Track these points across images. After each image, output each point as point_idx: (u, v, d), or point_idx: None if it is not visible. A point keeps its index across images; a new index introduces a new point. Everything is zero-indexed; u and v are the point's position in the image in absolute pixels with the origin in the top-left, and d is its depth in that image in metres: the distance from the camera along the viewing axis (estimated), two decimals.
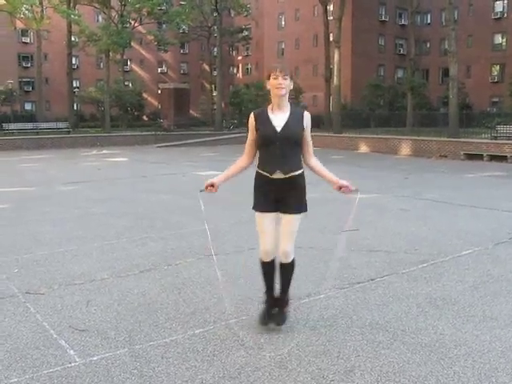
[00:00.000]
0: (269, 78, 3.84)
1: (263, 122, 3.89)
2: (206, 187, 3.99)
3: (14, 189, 12.96)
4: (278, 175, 3.87)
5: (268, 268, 4.13)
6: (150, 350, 3.82)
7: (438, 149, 23.24)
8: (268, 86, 3.88)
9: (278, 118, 3.87)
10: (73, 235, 7.62)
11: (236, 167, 4.11)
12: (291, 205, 3.94)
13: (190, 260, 6.22)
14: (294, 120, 3.88)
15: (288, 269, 4.12)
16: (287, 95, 3.89)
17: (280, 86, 3.80)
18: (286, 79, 3.80)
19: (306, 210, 4.02)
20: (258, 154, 4.02)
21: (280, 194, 3.92)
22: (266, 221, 3.99)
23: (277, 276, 4.18)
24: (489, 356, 3.69)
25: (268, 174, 3.90)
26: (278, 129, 3.84)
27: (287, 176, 3.88)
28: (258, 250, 4.15)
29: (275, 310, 4.21)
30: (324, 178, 4.08)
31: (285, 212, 3.96)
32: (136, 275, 5.65)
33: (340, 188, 3.95)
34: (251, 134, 3.99)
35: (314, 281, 5.36)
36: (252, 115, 3.98)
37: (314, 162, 4.04)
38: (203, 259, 6.22)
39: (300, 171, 3.95)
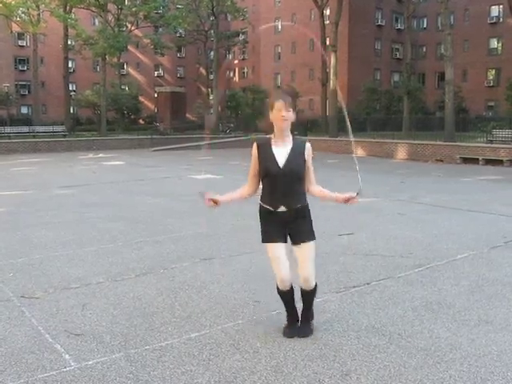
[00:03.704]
0: (272, 109, 3.78)
1: (266, 155, 3.85)
2: (210, 201, 3.91)
3: (10, 192, 12.93)
4: (283, 209, 3.86)
5: (287, 297, 4.08)
6: (146, 354, 3.81)
7: (434, 153, 23.30)
8: (271, 118, 3.81)
9: (281, 152, 3.82)
10: (68, 239, 7.60)
11: (240, 194, 4.06)
12: (301, 234, 3.92)
13: (185, 264, 6.21)
14: (296, 153, 3.84)
15: (310, 295, 4.09)
16: (289, 127, 3.84)
17: (283, 119, 3.75)
18: (289, 111, 3.75)
19: (314, 238, 3.99)
20: (260, 187, 3.99)
21: (287, 223, 3.90)
22: (278, 250, 3.91)
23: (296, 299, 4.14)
24: (484, 360, 3.69)
25: (272, 209, 3.88)
26: (281, 164, 3.80)
27: (291, 209, 3.87)
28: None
29: (300, 325, 4.17)
30: (329, 200, 4.06)
31: (297, 243, 3.93)
32: (132, 279, 5.64)
33: (347, 201, 3.93)
34: (254, 165, 3.93)
35: None
36: (255, 145, 3.93)
37: (316, 189, 4.00)
38: (199, 263, 6.22)
39: (304, 205, 3.93)
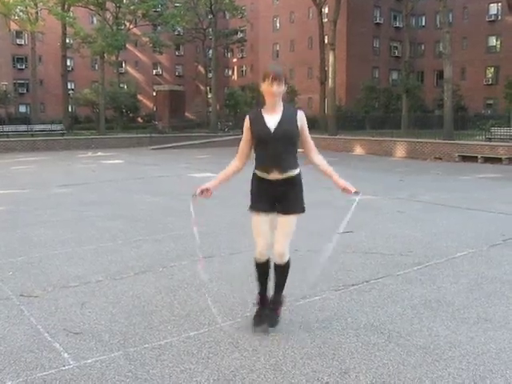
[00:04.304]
0: (264, 81, 3.84)
1: (257, 122, 3.92)
2: (201, 192, 3.99)
3: (8, 191, 12.92)
4: (275, 175, 3.88)
5: (263, 269, 4.12)
6: (145, 353, 3.81)
7: (433, 151, 23.30)
8: (262, 89, 3.89)
9: (272, 118, 3.89)
10: (67, 238, 7.60)
11: (228, 171, 4.12)
12: (288, 205, 3.95)
13: (184, 262, 6.21)
14: (287, 119, 3.89)
15: (283, 270, 4.11)
16: (280, 97, 3.91)
17: (273, 93, 3.83)
18: (280, 86, 3.83)
19: (303, 211, 4.02)
20: (254, 156, 4.03)
21: (277, 194, 3.93)
22: (262, 221, 3.99)
23: (271, 277, 4.18)
24: (483, 358, 3.69)
25: (265, 174, 3.92)
26: (272, 129, 3.86)
27: (284, 176, 3.89)
28: (253, 251, 4.14)
29: (268, 311, 4.20)
30: (328, 177, 4.08)
31: (281, 212, 3.96)
32: (131, 277, 5.64)
33: (343, 189, 3.98)
34: (245, 136, 4.01)
35: (309, 283, 5.35)
36: (247, 117, 4.01)
37: (319, 159, 4.04)
38: (197, 263, 6.21)
39: (296, 171, 3.96)
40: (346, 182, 4.00)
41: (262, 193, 3.97)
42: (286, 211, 3.95)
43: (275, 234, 4.00)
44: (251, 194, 4.05)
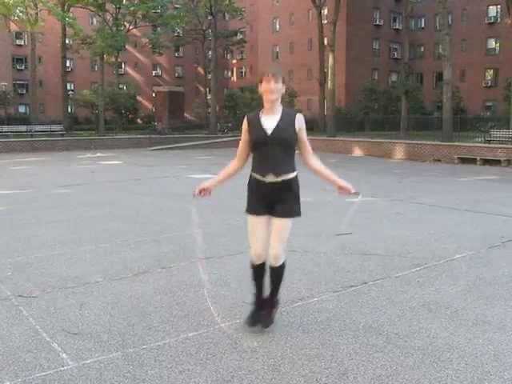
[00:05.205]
0: (261, 82, 3.84)
1: (255, 125, 3.92)
2: (200, 191, 4.00)
3: (8, 191, 12.92)
4: (271, 178, 3.87)
5: (258, 271, 4.12)
6: (143, 354, 3.81)
7: (432, 153, 23.33)
8: (260, 90, 3.89)
9: (269, 121, 3.88)
10: (66, 238, 7.60)
11: (228, 171, 4.12)
12: (284, 208, 3.93)
13: (183, 263, 6.21)
14: (286, 122, 3.88)
15: (278, 272, 4.11)
16: (279, 99, 3.90)
17: (272, 90, 3.81)
18: (278, 83, 3.82)
19: (298, 215, 4.01)
20: (251, 158, 4.03)
21: (273, 197, 3.92)
22: (258, 224, 3.99)
23: (266, 278, 4.18)
24: (481, 359, 3.70)
25: (261, 177, 3.91)
26: (269, 132, 3.84)
27: (280, 179, 3.88)
28: (249, 253, 4.14)
29: (263, 312, 4.20)
30: (325, 179, 4.07)
31: (277, 216, 3.95)
32: (129, 278, 5.64)
33: (341, 189, 3.97)
34: (244, 136, 4.01)
35: (307, 284, 5.37)
36: (246, 118, 4.01)
37: (314, 161, 4.02)
38: (197, 262, 6.21)
39: (293, 175, 3.94)
40: (344, 182, 3.98)
41: (258, 195, 3.96)
42: (282, 215, 3.94)
43: (271, 237, 4.00)
44: (248, 196, 4.05)
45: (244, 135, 4.01)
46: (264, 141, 3.85)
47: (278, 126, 3.85)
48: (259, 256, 4.05)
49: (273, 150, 3.84)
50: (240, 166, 4.10)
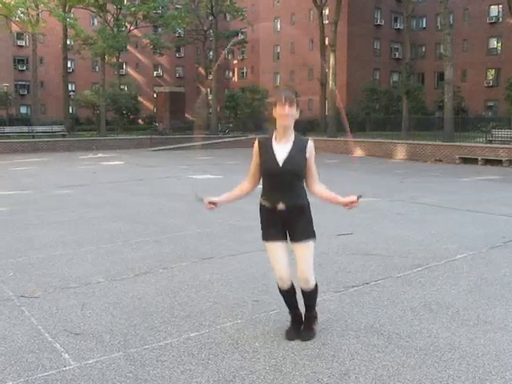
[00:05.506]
0: (275, 106, 3.76)
1: (266, 151, 3.84)
2: (207, 203, 3.93)
3: (10, 192, 12.93)
4: (282, 207, 3.82)
5: (287, 295, 4.08)
6: (145, 354, 3.82)
7: (434, 153, 23.32)
8: (274, 114, 3.79)
9: (281, 150, 3.80)
10: (68, 239, 7.61)
11: (238, 192, 4.05)
12: (299, 233, 3.88)
13: (185, 264, 6.22)
14: (297, 151, 3.81)
15: (310, 294, 4.07)
16: (293, 123, 3.82)
17: (286, 115, 3.73)
18: (292, 108, 3.74)
19: (314, 237, 3.94)
20: (261, 182, 3.98)
21: (286, 222, 3.87)
22: (277, 249, 3.92)
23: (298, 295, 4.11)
24: (483, 359, 3.70)
25: (272, 206, 3.86)
26: (281, 162, 3.77)
27: (290, 207, 3.83)
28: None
29: (302, 326, 4.16)
30: (329, 202, 4.01)
31: (295, 241, 3.91)
32: (131, 279, 5.65)
33: (346, 205, 3.88)
34: (255, 159, 3.93)
35: None
36: (257, 142, 3.93)
37: (318, 188, 3.95)
38: (198, 263, 6.23)
39: (303, 201, 3.89)
40: (347, 198, 3.88)
41: (271, 222, 3.90)
42: (299, 239, 3.89)
43: (297, 263, 3.94)
44: (261, 223, 3.99)
45: (255, 158, 3.92)
46: (275, 171, 3.80)
47: (289, 156, 3.78)
48: (284, 280, 3.98)
49: (283, 181, 3.79)
50: (251, 189, 4.03)
